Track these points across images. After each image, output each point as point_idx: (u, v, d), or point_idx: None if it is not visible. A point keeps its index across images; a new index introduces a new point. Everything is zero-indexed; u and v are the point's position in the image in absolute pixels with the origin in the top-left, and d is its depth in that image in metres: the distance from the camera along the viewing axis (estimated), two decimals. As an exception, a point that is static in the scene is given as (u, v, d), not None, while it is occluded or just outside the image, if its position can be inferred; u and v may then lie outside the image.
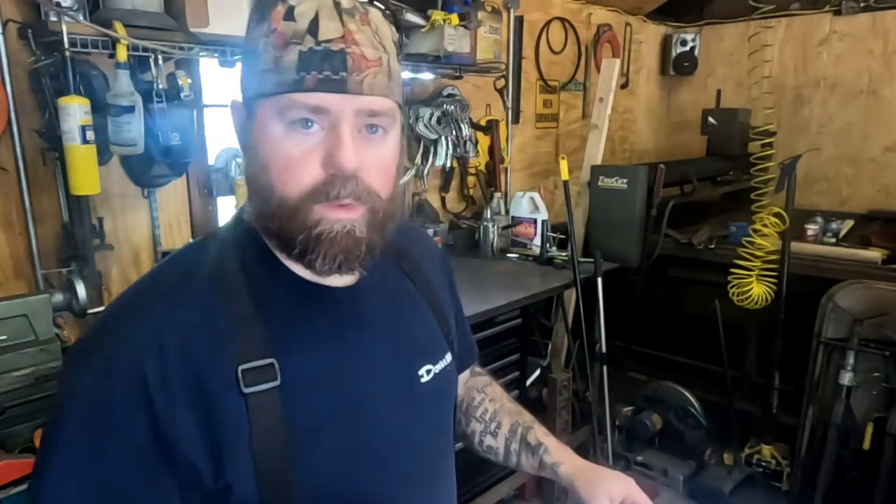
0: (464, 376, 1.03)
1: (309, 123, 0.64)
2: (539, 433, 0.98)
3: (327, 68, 0.62)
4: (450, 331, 0.87)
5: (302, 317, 0.71)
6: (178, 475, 0.62)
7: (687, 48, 4.17)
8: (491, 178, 3.10)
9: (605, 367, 2.75)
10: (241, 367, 0.63)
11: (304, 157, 0.64)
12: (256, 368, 0.64)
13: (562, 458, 0.95)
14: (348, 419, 0.70)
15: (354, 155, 0.64)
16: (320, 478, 0.67)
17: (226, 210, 2.24)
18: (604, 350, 2.75)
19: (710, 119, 3.66)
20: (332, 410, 0.69)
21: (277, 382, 0.65)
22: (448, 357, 0.84)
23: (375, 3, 0.70)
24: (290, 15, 0.64)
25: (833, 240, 2.79)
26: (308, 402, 0.67)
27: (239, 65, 0.74)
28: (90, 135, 1.62)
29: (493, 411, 1.01)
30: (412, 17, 2.35)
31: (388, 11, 0.72)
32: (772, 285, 2.61)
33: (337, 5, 0.64)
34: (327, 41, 0.63)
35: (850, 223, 3.07)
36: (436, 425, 0.82)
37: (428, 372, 0.79)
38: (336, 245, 0.66)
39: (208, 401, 0.62)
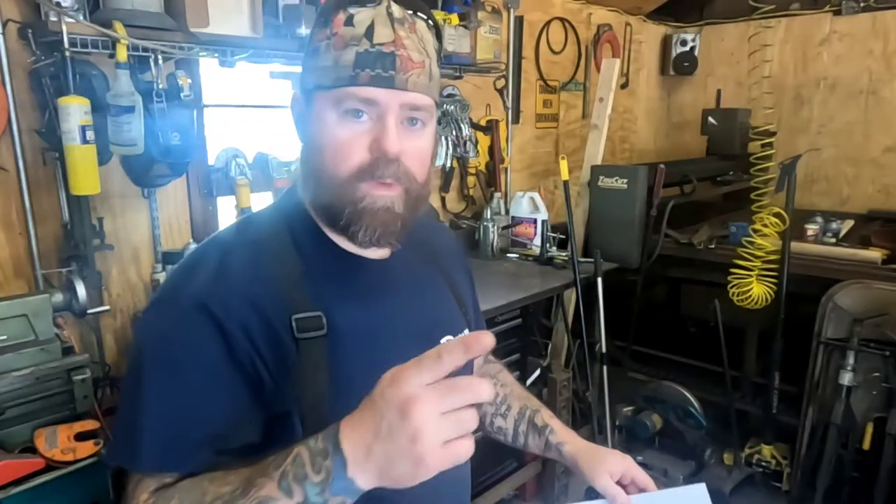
0: (477, 362, 1.10)
1: (360, 113, 0.75)
2: (545, 416, 1.07)
3: (379, 67, 0.74)
4: (467, 311, 0.98)
5: (342, 280, 0.82)
6: (250, 390, 0.73)
7: (687, 48, 4.17)
8: (491, 178, 3.10)
9: (605, 367, 2.76)
10: (294, 317, 0.75)
11: (353, 141, 0.76)
12: (307, 318, 0.75)
13: (566, 438, 1.03)
14: (377, 371, 0.74)
15: (397, 141, 0.75)
16: None
17: (226, 210, 2.24)
18: (604, 350, 2.75)
19: (710, 119, 3.66)
20: (365, 362, 0.76)
21: (324, 332, 0.76)
22: (466, 332, 0.93)
23: (419, 14, 0.80)
24: (349, 21, 0.75)
25: (833, 240, 2.79)
26: (346, 353, 0.77)
27: (300, 65, 0.84)
28: (90, 135, 1.62)
29: (504, 395, 1.10)
30: (412, 17, 2.36)
31: (431, 22, 0.82)
32: (772, 285, 2.61)
33: (390, 15, 0.76)
34: (380, 44, 0.74)
35: (850, 223, 3.07)
36: None
37: (448, 341, 0.84)
38: (377, 219, 0.77)
39: (272, 338, 0.74)
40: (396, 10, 0.77)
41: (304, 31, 1.95)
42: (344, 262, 0.83)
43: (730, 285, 2.63)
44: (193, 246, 2.06)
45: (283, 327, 0.74)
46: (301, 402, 0.74)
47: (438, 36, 0.83)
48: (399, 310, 0.86)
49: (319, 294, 0.78)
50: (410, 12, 0.78)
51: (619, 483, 0.96)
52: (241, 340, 0.73)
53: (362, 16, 0.75)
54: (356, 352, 0.78)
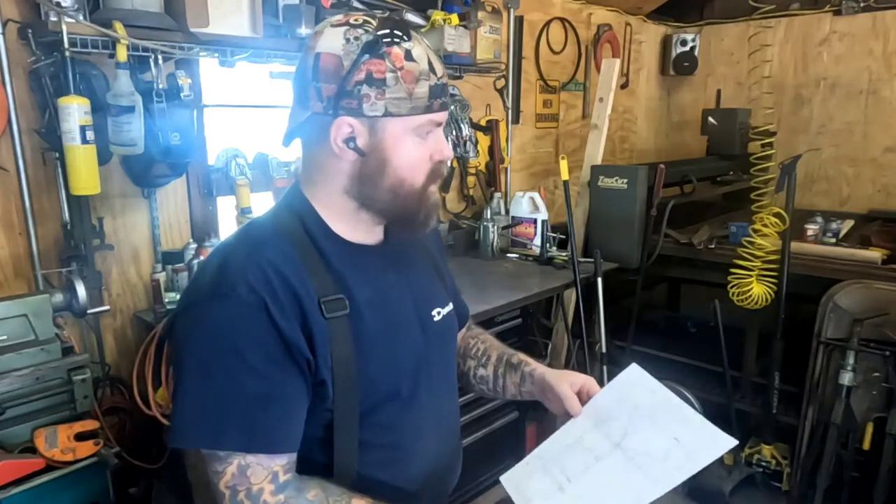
0: (461, 332, 1.26)
1: (428, 133, 0.93)
2: (521, 356, 1.20)
3: (443, 96, 0.92)
4: (447, 287, 1.14)
5: (353, 265, 0.95)
6: (302, 369, 0.87)
7: (687, 48, 4.17)
8: (491, 178, 3.10)
9: (605, 367, 2.75)
10: (322, 299, 0.88)
11: (424, 155, 0.93)
12: (332, 300, 0.89)
13: (538, 367, 1.15)
14: (390, 337, 0.96)
15: (449, 147, 0.97)
16: (373, 378, 0.92)
17: (226, 210, 2.24)
18: (604, 350, 2.75)
19: (710, 119, 3.66)
20: (380, 332, 0.94)
21: (347, 311, 0.90)
22: (450, 305, 1.10)
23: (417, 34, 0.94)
24: (409, 57, 0.88)
25: (833, 240, 2.79)
26: (366, 326, 0.92)
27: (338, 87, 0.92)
28: (90, 135, 1.62)
29: (484, 348, 1.24)
30: (412, 17, 2.36)
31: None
32: (772, 285, 2.60)
33: (429, 48, 0.92)
34: (440, 77, 0.91)
35: (850, 223, 3.07)
36: (443, 352, 1.08)
37: (438, 313, 1.06)
38: (436, 208, 1.00)
39: (308, 321, 0.87)
40: (427, 41, 0.93)
41: (304, 30, 1.95)
42: (350, 250, 0.96)
43: (730, 285, 2.63)
44: (193, 246, 2.06)
45: (314, 310, 0.87)
46: (333, 371, 0.88)
47: None
48: (398, 285, 1.01)
49: (338, 279, 0.92)
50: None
51: (577, 395, 1.07)
52: (290, 330, 0.85)
53: (418, 52, 0.89)
54: (372, 322, 0.93)
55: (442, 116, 0.93)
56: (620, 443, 0.98)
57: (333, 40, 0.87)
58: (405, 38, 0.88)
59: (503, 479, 1.00)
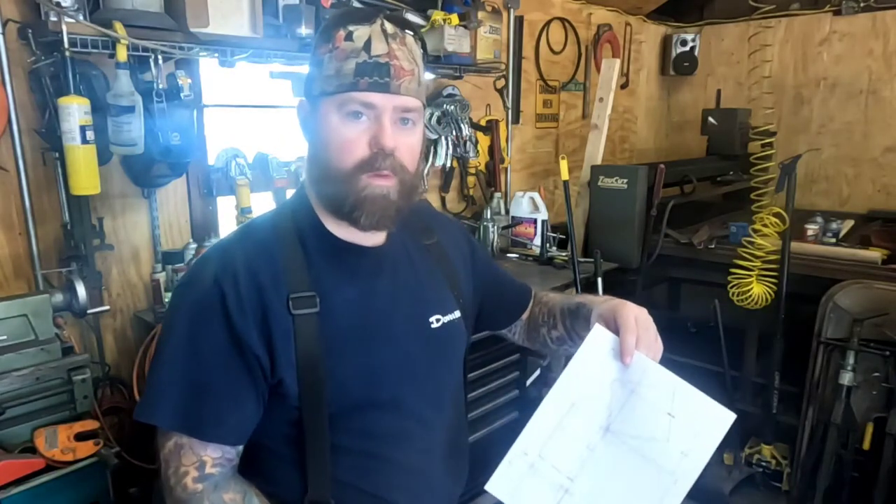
0: (526, 312, 1.25)
1: (360, 115, 0.88)
2: (579, 299, 1.13)
3: (376, 75, 0.87)
4: (461, 294, 1.09)
5: (338, 265, 0.94)
6: (251, 367, 0.87)
7: (687, 48, 4.17)
8: (491, 178, 3.10)
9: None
10: (291, 295, 0.88)
11: (355, 138, 0.88)
12: (302, 297, 0.88)
13: (592, 304, 1.04)
14: (368, 341, 0.93)
15: (392, 138, 0.88)
16: (345, 381, 0.90)
17: (226, 210, 2.24)
18: (604, 350, 2.74)
19: (710, 119, 3.66)
20: (357, 334, 0.92)
21: (317, 309, 0.89)
22: (457, 313, 1.06)
23: (408, 31, 0.93)
24: (349, 37, 0.88)
25: (833, 240, 2.79)
26: (338, 327, 0.90)
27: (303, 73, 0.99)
28: (90, 135, 1.62)
29: (548, 309, 1.20)
30: (412, 17, 2.36)
31: (416, 36, 0.95)
32: (772, 285, 2.60)
33: (384, 31, 0.88)
34: (377, 55, 0.87)
35: (850, 223, 3.07)
36: (441, 362, 1.03)
37: (437, 320, 1.02)
38: (376, 205, 0.90)
39: (268, 317, 0.87)
40: (389, 27, 0.90)
41: (304, 31, 1.95)
42: (340, 250, 0.95)
43: (730, 285, 2.63)
44: (193, 246, 2.06)
45: (281, 306, 0.87)
46: (298, 368, 0.87)
47: (424, 48, 0.96)
48: (389, 289, 0.98)
49: (317, 278, 0.91)
50: (401, 28, 0.91)
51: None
52: (244, 328, 0.86)
53: (360, 32, 0.87)
54: (347, 323, 0.92)
55: (372, 97, 0.87)
56: (609, 426, 0.89)
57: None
58: (359, 22, 0.88)
59: (490, 487, 0.88)
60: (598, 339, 0.93)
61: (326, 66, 0.88)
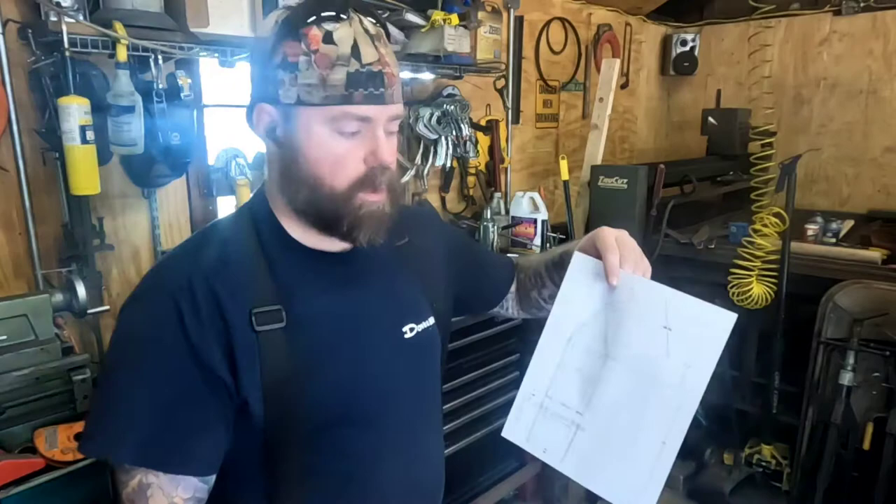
0: (513, 285, 1.21)
1: (355, 131, 0.80)
2: (561, 249, 1.09)
3: (371, 86, 0.79)
4: (435, 298, 1.01)
5: (306, 274, 0.87)
6: (215, 387, 0.79)
7: (687, 48, 4.17)
8: (491, 178, 3.10)
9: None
10: (253, 310, 0.80)
11: (349, 155, 0.81)
12: (266, 312, 0.80)
13: (573, 246, 0.99)
14: (342, 355, 0.86)
15: (390, 152, 0.82)
16: (317, 399, 0.83)
17: (226, 210, 2.24)
18: (604, 350, 2.74)
19: (710, 119, 3.66)
20: (329, 347, 0.85)
21: (283, 324, 0.81)
22: (431, 320, 0.98)
23: (368, 19, 0.82)
24: (329, 39, 0.78)
25: (833, 240, 2.79)
26: (309, 341, 0.83)
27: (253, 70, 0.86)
28: (90, 135, 1.62)
29: (533, 271, 1.16)
30: (412, 17, 2.35)
31: (380, 24, 0.85)
32: (772, 285, 2.60)
33: (366, 31, 0.80)
34: (369, 64, 0.79)
35: (850, 223, 3.07)
36: (418, 374, 0.97)
37: (411, 329, 0.95)
38: (373, 222, 0.84)
39: (229, 333, 0.79)
40: (369, 25, 0.81)
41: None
42: (307, 258, 0.88)
43: (730, 285, 2.63)
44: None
45: (244, 322, 0.79)
46: (262, 387, 0.79)
47: (387, 33, 0.86)
48: (362, 298, 0.91)
49: (283, 289, 0.83)
50: (373, 21, 0.82)
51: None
52: (204, 347, 0.78)
53: (341, 33, 0.78)
54: (319, 337, 0.84)
55: (368, 111, 0.79)
56: (608, 353, 0.87)
57: (270, 21, 0.81)
58: (332, 17, 0.78)
59: (506, 433, 0.89)
60: (581, 266, 0.91)
61: (304, 72, 0.78)
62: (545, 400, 0.89)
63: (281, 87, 0.80)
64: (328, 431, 0.85)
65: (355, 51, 0.78)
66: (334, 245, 0.89)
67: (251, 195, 0.94)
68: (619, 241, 0.90)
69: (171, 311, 0.77)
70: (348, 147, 0.81)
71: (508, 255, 1.23)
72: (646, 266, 0.90)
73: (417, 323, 0.96)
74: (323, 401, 0.83)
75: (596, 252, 0.90)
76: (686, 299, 0.85)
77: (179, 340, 0.77)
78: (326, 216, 0.83)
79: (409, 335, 0.94)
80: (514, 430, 0.89)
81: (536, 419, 0.88)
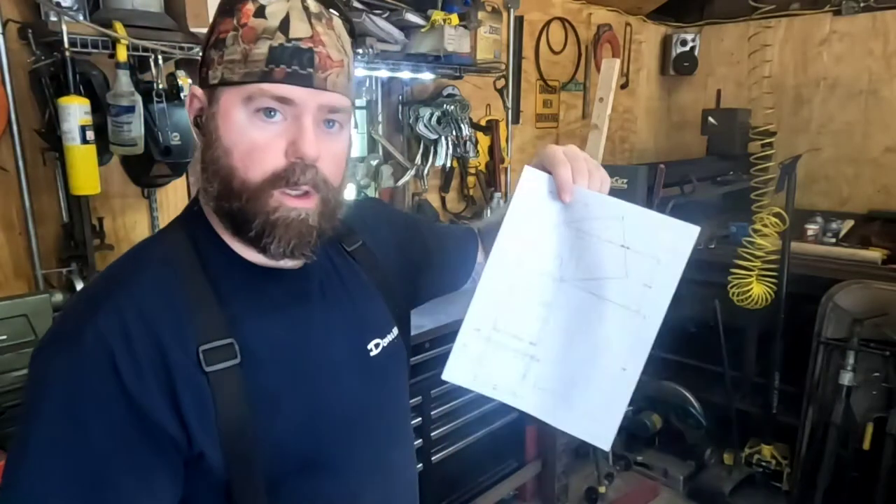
0: (480, 255, 1.08)
1: (273, 113, 0.69)
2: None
3: (296, 63, 0.67)
4: (397, 305, 0.91)
5: (255, 297, 0.75)
6: (161, 447, 0.66)
7: (687, 48, 4.17)
8: (491, 178, 3.10)
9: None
10: (201, 348, 0.67)
11: (267, 143, 0.69)
12: (216, 348, 0.68)
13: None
14: (306, 388, 0.75)
15: (315, 145, 0.69)
16: (282, 442, 0.72)
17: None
18: (604, 350, 2.74)
19: (710, 119, 3.66)
20: (291, 381, 0.74)
21: (237, 360, 0.69)
22: (395, 331, 0.88)
23: (334, 11, 0.74)
24: (260, 13, 0.68)
25: (833, 240, 2.79)
26: (267, 376, 0.72)
27: (200, 55, 0.76)
28: (90, 135, 1.62)
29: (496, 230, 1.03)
30: (412, 17, 2.36)
31: (345, 18, 0.76)
32: (772, 285, 2.61)
33: (306, 9, 0.70)
34: (297, 39, 0.68)
35: (850, 223, 3.07)
36: (388, 394, 0.87)
37: (377, 346, 0.85)
38: (290, 231, 0.70)
39: (174, 378, 0.66)
40: (312, 4, 0.71)
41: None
42: (255, 277, 0.75)
43: (730, 285, 2.63)
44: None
45: (190, 363, 0.67)
46: (221, 436, 0.67)
47: (353, 34, 0.77)
48: (320, 318, 0.79)
49: (232, 317, 0.71)
50: (325, 7, 0.72)
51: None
52: (146, 399, 0.64)
53: (275, 7, 0.68)
54: (278, 371, 0.73)
55: (290, 91, 0.67)
56: (562, 276, 0.78)
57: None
58: None
59: (446, 376, 0.77)
60: (530, 182, 0.81)
61: (230, 47, 0.68)
62: (493, 333, 0.78)
63: (211, 68, 0.70)
64: (296, 477, 0.74)
65: (284, 25, 0.68)
66: (282, 261, 0.75)
67: (188, 202, 0.80)
68: (568, 154, 0.79)
69: (102, 359, 0.63)
70: (267, 135, 0.68)
71: (465, 223, 1.10)
72: (602, 175, 0.80)
73: (382, 337, 0.86)
74: (286, 444, 0.73)
75: (545, 168, 0.81)
76: (645, 213, 0.77)
77: (112, 388, 0.63)
78: (236, 215, 0.71)
79: (374, 352, 0.84)
80: (457, 370, 0.77)
81: (483, 355, 0.78)
